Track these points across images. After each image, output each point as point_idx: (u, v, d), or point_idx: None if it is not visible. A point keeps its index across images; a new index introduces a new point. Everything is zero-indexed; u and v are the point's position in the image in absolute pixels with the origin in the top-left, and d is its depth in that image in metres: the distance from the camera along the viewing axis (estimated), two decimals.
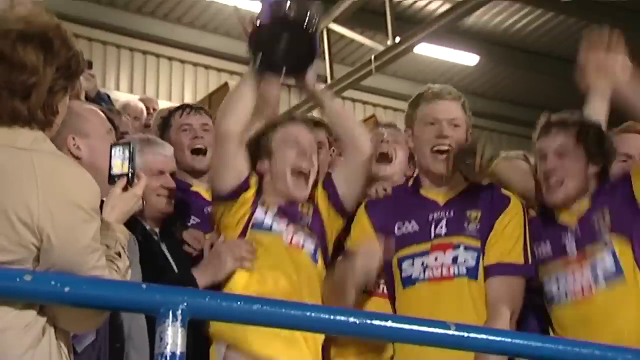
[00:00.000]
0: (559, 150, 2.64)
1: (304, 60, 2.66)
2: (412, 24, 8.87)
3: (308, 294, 2.62)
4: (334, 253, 2.82)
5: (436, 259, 2.65)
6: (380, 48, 8.62)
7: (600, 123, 2.83)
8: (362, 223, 2.78)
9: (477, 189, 2.74)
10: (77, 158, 2.26)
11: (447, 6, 8.49)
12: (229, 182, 2.67)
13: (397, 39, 8.44)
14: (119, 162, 2.07)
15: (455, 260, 2.64)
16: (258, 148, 2.75)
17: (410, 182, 2.90)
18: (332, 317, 1.90)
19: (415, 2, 9.29)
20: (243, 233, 2.70)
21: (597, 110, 2.96)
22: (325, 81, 9.04)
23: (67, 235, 1.71)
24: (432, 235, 2.68)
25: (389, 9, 8.38)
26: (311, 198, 2.81)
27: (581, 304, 2.59)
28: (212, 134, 3.29)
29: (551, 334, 2.72)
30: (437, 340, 1.98)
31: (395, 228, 2.73)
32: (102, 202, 2.00)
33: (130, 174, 2.03)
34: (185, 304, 1.64)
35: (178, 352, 1.56)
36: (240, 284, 2.59)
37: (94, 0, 9.00)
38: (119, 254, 1.94)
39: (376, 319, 1.93)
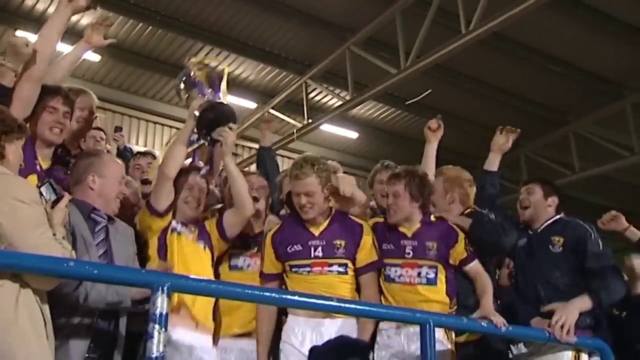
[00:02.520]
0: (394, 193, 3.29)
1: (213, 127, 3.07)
2: (319, 112, 10.92)
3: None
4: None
5: (320, 272, 3.16)
6: (300, 125, 10.66)
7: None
8: (268, 251, 3.25)
9: (338, 217, 3.31)
10: (91, 189, 2.73)
11: (340, 102, 10.22)
12: (167, 203, 3.13)
13: (310, 120, 10.46)
14: (52, 192, 2.41)
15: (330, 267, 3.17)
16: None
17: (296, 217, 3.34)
18: (263, 293, 2.62)
19: (321, 98, 11.38)
20: (163, 234, 3.14)
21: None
22: None
23: (11, 218, 2.06)
24: (312, 255, 3.19)
25: (305, 102, 10.38)
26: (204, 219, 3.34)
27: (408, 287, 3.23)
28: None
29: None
30: (326, 307, 2.70)
31: (287, 249, 3.22)
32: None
33: (57, 198, 2.39)
34: (169, 282, 2.12)
35: (164, 312, 2.07)
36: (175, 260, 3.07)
37: (124, 89, 11.01)
38: (63, 238, 2.27)
39: (289, 295, 2.73)
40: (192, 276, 2.47)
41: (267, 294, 2.57)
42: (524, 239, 3.60)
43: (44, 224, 2.13)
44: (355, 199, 3.36)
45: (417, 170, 3.43)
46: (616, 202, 11.14)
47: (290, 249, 3.23)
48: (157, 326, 2.04)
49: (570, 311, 3.17)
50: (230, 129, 3.09)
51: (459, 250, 3.34)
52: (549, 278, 3.39)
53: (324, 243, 3.21)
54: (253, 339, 3.22)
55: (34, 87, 2.81)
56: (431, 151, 3.75)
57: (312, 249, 3.20)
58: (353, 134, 12.41)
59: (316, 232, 3.25)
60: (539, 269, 3.44)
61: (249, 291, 2.42)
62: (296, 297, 2.56)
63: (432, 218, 3.40)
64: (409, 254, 3.27)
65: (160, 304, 2.08)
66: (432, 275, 3.20)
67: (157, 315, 2.07)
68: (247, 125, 11.54)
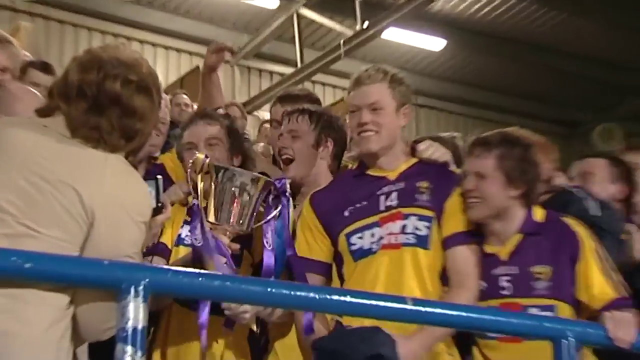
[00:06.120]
0: (479, 172, 3.18)
1: None
2: (380, 9, 10.35)
3: None
4: None
5: (387, 228, 3.12)
6: (349, 33, 10.26)
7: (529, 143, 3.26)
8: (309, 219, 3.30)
9: (425, 164, 3.30)
10: None
11: None
12: None
13: (366, 24, 10.03)
14: (153, 196, 2.52)
15: (404, 228, 3.12)
16: None
17: (355, 165, 3.39)
18: (292, 292, 2.43)
19: None
20: None
21: None
22: (296, 65, 10.96)
23: (110, 229, 2.16)
24: (382, 207, 3.17)
25: None
26: None
27: None
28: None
29: None
30: (395, 315, 2.47)
31: (344, 213, 3.22)
32: None
33: (157, 206, 2.56)
34: (147, 279, 2.04)
35: (139, 327, 1.96)
36: None
37: None
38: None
39: (335, 294, 2.51)
40: (179, 269, 2.47)
41: (300, 292, 2.50)
42: None
43: (137, 247, 2.30)
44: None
45: (516, 135, 3.27)
46: None
47: (347, 212, 3.15)
48: (129, 348, 1.96)
49: None
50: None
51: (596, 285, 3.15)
52: None
53: (403, 186, 3.11)
54: None
55: None
56: None
57: (384, 197, 3.14)
58: (437, 43, 11.94)
59: (392, 176, 3.17)
60: None
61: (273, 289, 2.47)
62: (348, 298, 2.42)
63: (538, 215, 3.18)
64: (505, 289, 3.09)
65: (134, 312, 1.99)
66: None
67: (129, 332, 1.97)
68: (265, 36, 11.50)
